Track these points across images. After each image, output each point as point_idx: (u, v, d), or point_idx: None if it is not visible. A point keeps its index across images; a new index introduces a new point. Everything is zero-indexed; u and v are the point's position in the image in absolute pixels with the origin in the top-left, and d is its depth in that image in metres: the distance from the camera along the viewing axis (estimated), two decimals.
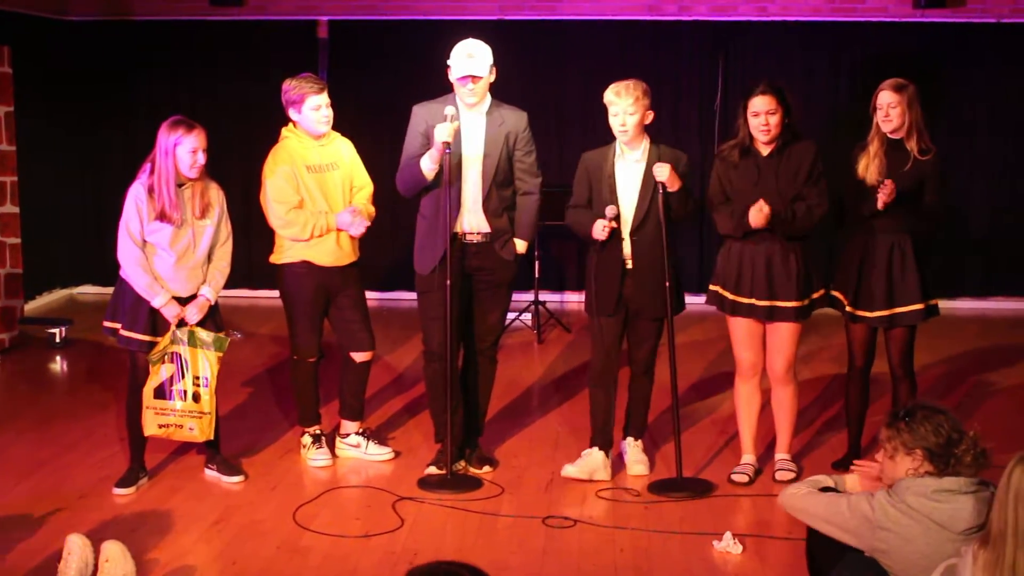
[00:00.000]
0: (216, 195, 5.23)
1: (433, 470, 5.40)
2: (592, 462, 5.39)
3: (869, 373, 5.44)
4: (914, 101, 5.16)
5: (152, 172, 5.04)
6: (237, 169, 8.52)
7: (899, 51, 9.25)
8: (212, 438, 5.28)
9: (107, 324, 5.24)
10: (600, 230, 5.19)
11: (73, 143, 9.80)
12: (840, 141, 9.03)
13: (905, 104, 5.14)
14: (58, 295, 9.83)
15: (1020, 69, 9.39)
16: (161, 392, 5.12)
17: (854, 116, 9.31)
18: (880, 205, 5.09)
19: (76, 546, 4.14)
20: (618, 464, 5.48)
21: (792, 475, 5.25)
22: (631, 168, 5.28)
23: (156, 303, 5.07)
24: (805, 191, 5.15)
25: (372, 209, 5.59)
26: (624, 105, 5.15)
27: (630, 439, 5.54)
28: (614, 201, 5.24)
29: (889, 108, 5.15)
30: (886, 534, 3.49)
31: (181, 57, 9.76)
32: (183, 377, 5.12)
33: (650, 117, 5.21)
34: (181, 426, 5.17)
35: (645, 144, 5.27)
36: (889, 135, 5.20)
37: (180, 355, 5.11)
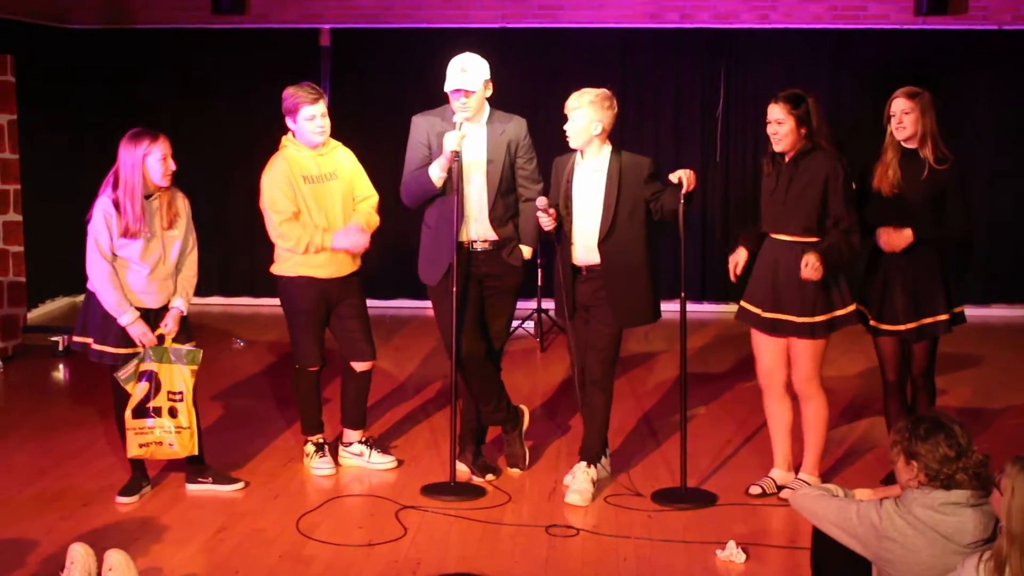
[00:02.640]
0: (183, 204, 5.18)
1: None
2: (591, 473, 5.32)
3: (905, 387, 5.29)
4: (928, 108, 5.08)
5: (116, 187, 4.98)
6: (240, 178, 8.52)
7: (901, 58, 9.26)
8: (196, 453, 5.20)
9: (77, 339, 5.16)
10: (543, 222, 5.14)
11: (75, 151, 9.81)
12: (843, 149, 9.15)
13: (919, 111, 5.06)
14: (61, 303, 9.83)
15: (1022, 76, 9.40)
16: (139, 411, 5.07)
17: (856, 123, 9.39)
18: (885, 248, 5.06)
19: (79, 555, 4.13)
20: (616, 461, 5.48)
21: None
22: (590, 177, 5.18)
23: (123, 321, 5.03)
24: (840, 212, 4.96)
25: (376, 219, 5.55)
26: (568, 111, 5.13)
27: (581, 463, 5.26)
28: (569, 209, 5.19)
29: (903, 115, 5.08)
30: (892, 544, 3.48)
31: (183, 65, 9.78)
32: (157, 394, 5.08)
33: (598, 128, 5.09)
34: (161, 443, 5.12)
35: (606, 153, 5.18)
36: (903, 143, 5.12)
37: (152, 372, 5.07)
